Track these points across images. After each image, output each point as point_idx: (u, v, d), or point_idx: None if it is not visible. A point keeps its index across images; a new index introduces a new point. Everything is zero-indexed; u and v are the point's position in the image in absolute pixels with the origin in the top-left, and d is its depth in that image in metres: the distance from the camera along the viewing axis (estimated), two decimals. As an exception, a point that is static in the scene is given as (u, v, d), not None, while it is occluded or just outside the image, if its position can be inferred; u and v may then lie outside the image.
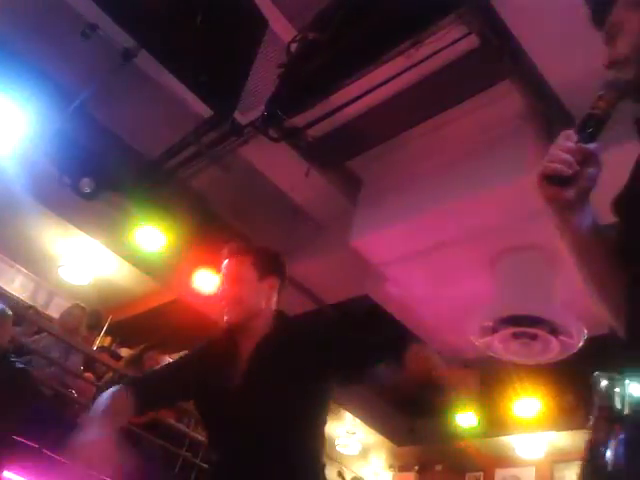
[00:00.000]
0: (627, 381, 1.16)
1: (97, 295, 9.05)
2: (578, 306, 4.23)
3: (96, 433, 1.99)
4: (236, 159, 6.42)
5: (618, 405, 1.18)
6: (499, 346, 5.84)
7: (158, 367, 2.36)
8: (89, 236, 7.97)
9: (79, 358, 6.47)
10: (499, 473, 10.47)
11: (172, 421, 6.77)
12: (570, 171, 1.22)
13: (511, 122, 5.33)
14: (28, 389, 5.41)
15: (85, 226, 7.78)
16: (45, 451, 5.35)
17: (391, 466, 11.83)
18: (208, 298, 6.62)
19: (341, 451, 11.28)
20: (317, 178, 6.48)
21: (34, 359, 6.00)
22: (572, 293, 2.46)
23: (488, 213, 5.53)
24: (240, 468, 2.18)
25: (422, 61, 4.88)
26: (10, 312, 5.50)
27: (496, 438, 10.11)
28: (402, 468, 11.67)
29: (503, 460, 10.40)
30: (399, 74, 5.07)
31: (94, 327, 7.78)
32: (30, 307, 8.32)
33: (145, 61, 5.59)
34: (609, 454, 1.16)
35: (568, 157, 1.23)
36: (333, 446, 11.07)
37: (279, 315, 2.41)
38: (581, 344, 5.66)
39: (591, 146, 1.25)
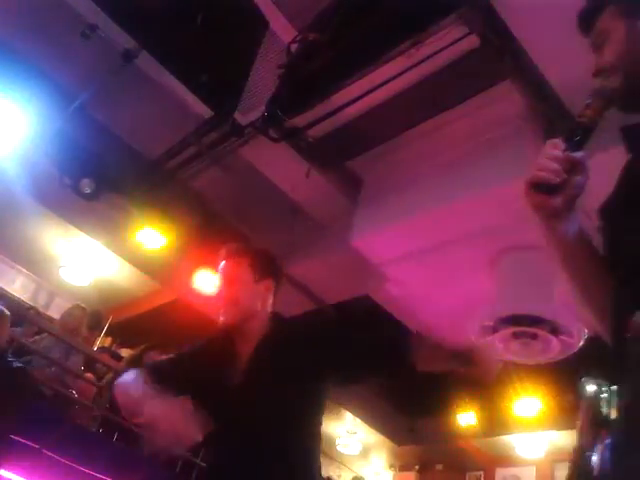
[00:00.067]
0: (613, 386, 1.17)
1: (98, 296, 9.06)
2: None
3: (162, 403, 1.97)
4: (236, 159, 6.42)
5: (604, 410, 1.20)
6: (499, 346, 5.84)
7: (164, 358, 2.35)
8: (90, 237, 7.98)
9: (79, 358, 6.48)
10: (499, 472, 10.49)
11: (173, 421, 6.77)
12: (557, 180, 1.24)
13: (511, 122, 5.32)
14: (26, 388, 5.42)
15: (85, 227, 7.79)
16: (45, 451, 5.36)
17: (392, 466, 11.85)
18: (208, 298, 6.62)
19: (342, 451, 11.30)
20: (317, 178, 6.48)
21: (34, 359, 6.01)
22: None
23: (489, 213, 5.53)
24: (238, 468, 2.18)
25: (422, 61, 4.88)
26: (8, 312, 5.51)
27: (496, 437, 10.13)
28: (403, 468, 11.69)
29: (504, 459, 10.42)
30: (399, 74, 5.07)
31: (94, 328, 7.78)
32: (31, 308, 8.32)
33: (145, 62, 5.60)
34: (595, 458, 1.18)
35: (555, 166, 1.24)
36: (334, 446, 11.09)
37: (276, 317, 2.42)
38: (581, 344, 5.66)
39: (578, 154, 1.26)
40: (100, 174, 6.61)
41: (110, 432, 6.35)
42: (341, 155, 6.47)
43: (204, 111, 5.99)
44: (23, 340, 6.11)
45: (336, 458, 11.19)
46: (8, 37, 5.79)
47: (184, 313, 7.87)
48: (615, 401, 1.17)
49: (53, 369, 6.15)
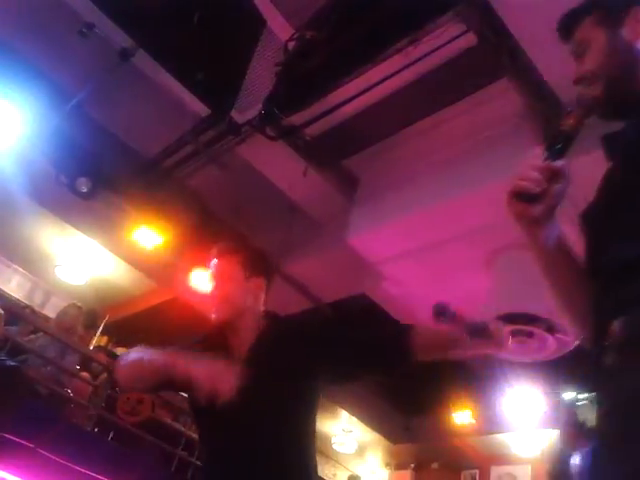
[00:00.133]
0: (592, 393, 1.19)
1: (94, 294, 9.05)
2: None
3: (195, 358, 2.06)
4: (233, 158, 6.42)
5: (583, 418, 1.22)
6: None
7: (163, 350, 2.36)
8: (86, 235, 7.97)
9: (75, 358, 6.47)
10: (495, 471, 10.50)
11: (168, 420, 6.77)
12: (537, 189, 1.26)
13: (509, 120, 5.33)
14: (21, 387, 5.41)
15: (82, 225, 7.77)
16: (40, 450, 5.34)
17: (387, 464, 11.86)
18: (205, 297, 6.61)
19: (337, 449, 11.30)
20: (314, 176, 6.48)
21: (30, 358, 5.99)
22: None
23: (485, 211, 5.52)
24: (234, 467, 2.18)
25: (420, 59, 4.88)
26: (1, 311, 5.50)
27: (492, 436, 10.14)
28: (398, 466, 11.70)
29: (499, 458, 10.43)
30: (396, 72, 5.07)
31: (90, 326, 7.76)
32: (26, 307, 8.31)
33: (142, 60, 5.59)
34: (574, 466, 1.20)
35: (536, 175, 1.26)
36: (329, 444, 11.09)
37: (269, 314, 2.43)
38: (577, 342, 5.66)
39: (559, 163, 1.28)
40: (96, 173, 6.59)
41: (106, 431, 6.34)
42: (338, 153, 6.48)
43: (201, 109, 5.99)
44: (19, 339, 6.09)
45: (332, 457, 11.19)
46: (5, 35, 5.78)
47: (180, 312, 7.85)
48: (593, 408, 1.19)
49: (49, 368, 6.13)
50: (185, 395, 2.62)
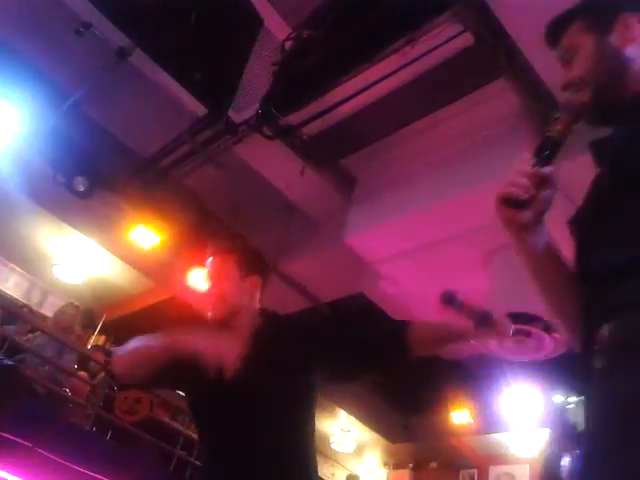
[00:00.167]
0: (582, 397, 1.20)
1: (91, 294, 9.04)
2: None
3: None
4: (230, 157, 6.41)
5: (574, 422, 1.22)
6: (493, 343, 5.85)
7: None
8: (83, 235, 7.96)
9: (73, 357, 6.46)
10: (493, 470, 10.50)
11: (167, 419, 6.77)
12: (525, 195, 1.26)
13: (506, 120, 5.33)
14: (18, 386, 5.41)
15: (79, 225, 7.77)
16: (38, 450, 5.34)
17: (386, 463, 11.86)
18: (202, 296, 6.61)
19: (336, 449, 11.30)
20: (312, 176, 6.48)
21: (28, 358, 5.99)
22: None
23: (483, 211, 5.50)
24: (233, 466, 2.18)
25: (417, 59, 4.88)
26: (-1, 310, 5.50)
27: (490, 435, 10.14)
28: (397, 465, 11.70)
29: (497, 457, 10.44)
30: (394, 72, 5.07)
31: (88, 326, 7.76)
32: (24, 306, 8.30)
33: (139, 59, 5.58)
34: (564, 470, 1.20)
35: (525, 181, 1.27)
36: (328, 444, 11.09)
37: (265, 312, 2.44)
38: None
39: (547, 169, 1.29)
40: (94, 172, 6.59)
41: (104, 431, 6.34)
42: (336, 153, 6.47)
43: (198, 109, 5.99)
44: (16, 338, 6.09)
45: (330, 456, 11.19)
46: (2, 35, 5.77)
47: (178, 311, 7.85)
48: (583, 412, 1.21)
49: (46, 367, 6.13)
50: (182, 393, 2.62)
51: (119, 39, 5.45)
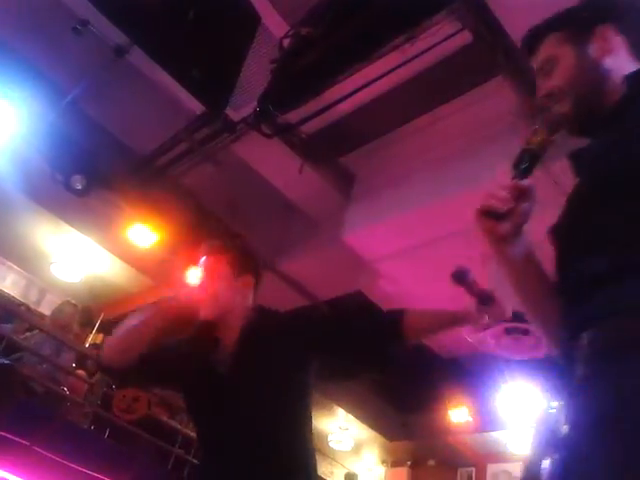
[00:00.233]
0: (563, 403, 1.23)
1: (89, 292, 9.03)
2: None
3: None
4: (228, 156, 6.40)
5: (554, 426, 1.24)
6: (491, 342, 5.85)
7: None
8: (81, 233, 7.95)
9: (71, 355, 6.45)
10: (491, 468, 10.50)
11: (165, 418, 6.77)
12: (504, 208, 1.29)
13: (504, 118, 5.33)
14: (15, 385, 5.40)
15: (77, 223, 7.75)
16: (36, 448, 5.33)
17: (384, 461, 11.86)
18: (195, 296, 6.59)
19: (334, 447, 11.30)
20: (310, 174, 6.47)
21: (25, 356, 5.98)
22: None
23: (482, 209, 5.53)
24: (231, 465, 2.18)
25: (416, 57, 4.88)
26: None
27: (488, 433, 10.15)
28: (395, 463, 11.70)
29: (495, 455, 10.44)
30: (392, 70, 5.07)
31: (86, 324, 7.76)
32: (22, 304, 8.29)
33: (137, 57, 5.57)
34: (544, 474, 1.22)
35: (504, 194, 1.29)
36: (326, 442, 11.10)
37: (258, 308, 2.45)
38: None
39: (525, 182, 1.31)
40: (91, 170, 6.58)
41: (102, 429, 6.34)
42: (334, 151, 6.47)
43: (196, 107, 5.97)
44: (14, 337, 6.08)
45: (328, 454, 11.19)
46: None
47: (176, 310, 7.83)
48: (562, 417, 1.23)
49: (44, 366, 6.12)
50: (178, 392, 2.62)
51: (117, 37, 5.43)
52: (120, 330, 2.25)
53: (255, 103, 5.62)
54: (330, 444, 11.21)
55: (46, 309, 8.37)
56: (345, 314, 2.66)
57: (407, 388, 9.03)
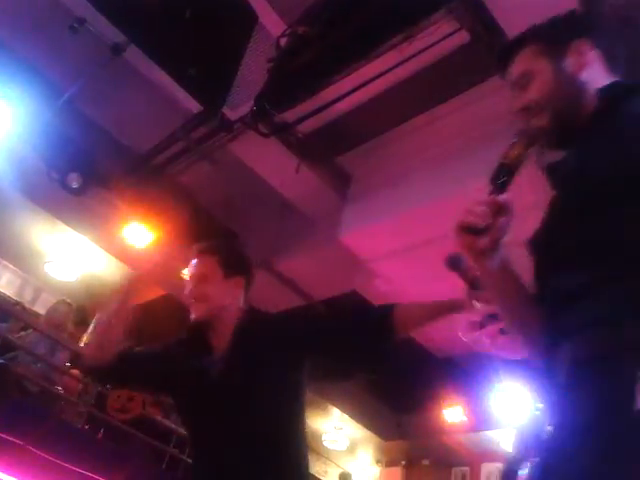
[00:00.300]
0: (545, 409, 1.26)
1: (84, 291, 8.99)
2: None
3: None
4: (225, 155, 6.40)
5: (536, 430, 1.26)
6: (486, 341, 5.85)
7: (139, 349, 2.39)
8: (76, 232, 7.92)
9: (65, 354, 6.43)
10: (485, 467, 10.51)
11: (159, 418, 6.75)
12: (482, 224, 1.30)
13: (502, 118, 5.32)
14: (8, 384, 5.38)
15: (73, 222, 7.73)
16: (30, 448, 5.32)
17: (378, 461, 11.86)
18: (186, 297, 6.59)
19: (328, 446, 11.30)
20: (307, 173, 6.47)
21: (20, 355, 5.96)
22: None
23: (478, 209, 5.53)
24: (223, 467, 2.18)
25: (413, 56, 4.88)
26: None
27: (482, 433, 10.16)
28: (389, 463, 11.70)
29: (489, 455, 10.45)
30: (390, 69, 5.07)
31: (81, 323, 7.72)
32: (17, 303, 8.26)
33: (134, 56, 5.56)
34: (523, 477, 1.25)
35: (482, 210, 1.31)
36: (320, 442, 11.09)
37: (250, 309, 2.44)
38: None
39: (503, 197, 1.33)
40: (88, 169, 6.57)
41: (96, 428, 6.33)
42: (331, 150, 6.47)
43: (193, 106, 5.97)
44: (9, 336, 6.06)
45: (323, 454, 11.19)
46: (-5, 31, 5.74)
47: (172, 310, 7.82)
48: (544, 422, 1.26)
49: (39, 365, 6.10)
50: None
51: (114, 35, 5.42)
52: (94, 328, 2.26)
53: (252, 102, 5.61)
54: (325, 444, 11.21)
55: (41, 308, 8.34)
56: (339, 313, 2.66)
57: (402, 388, 9.04)
